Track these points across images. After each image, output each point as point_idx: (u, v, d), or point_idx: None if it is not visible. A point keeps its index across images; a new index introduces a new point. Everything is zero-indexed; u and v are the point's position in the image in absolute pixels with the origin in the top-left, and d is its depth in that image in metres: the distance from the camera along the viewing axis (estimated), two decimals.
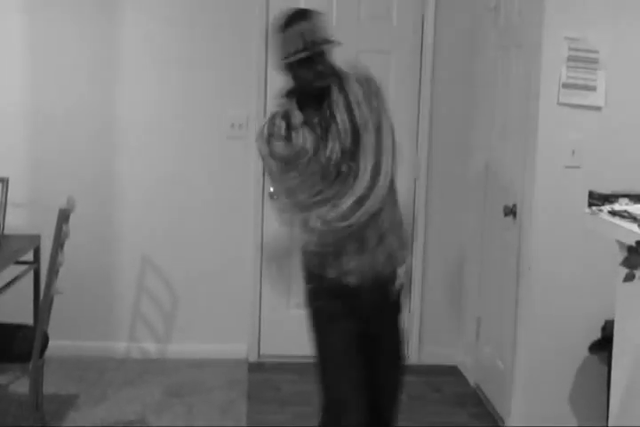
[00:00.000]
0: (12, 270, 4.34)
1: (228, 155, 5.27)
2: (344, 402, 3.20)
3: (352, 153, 3.09)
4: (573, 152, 4.03)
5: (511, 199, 4.37)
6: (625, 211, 2.88)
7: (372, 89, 3.12)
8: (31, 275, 4.57)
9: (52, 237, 3.81)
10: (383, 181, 3.07)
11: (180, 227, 5.34)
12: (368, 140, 3.07)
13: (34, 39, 5.15)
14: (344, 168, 3.09)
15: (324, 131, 3.11)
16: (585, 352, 4.10)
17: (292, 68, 3.06)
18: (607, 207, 3.00)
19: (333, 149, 3.09)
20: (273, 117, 3.21)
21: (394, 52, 5.21)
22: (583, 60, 3.96)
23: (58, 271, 3.91)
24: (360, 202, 3.05)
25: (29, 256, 4.58)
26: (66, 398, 4.67)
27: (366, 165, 3.05)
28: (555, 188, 4.07)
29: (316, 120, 3.13)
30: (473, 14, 5.12)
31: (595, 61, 3.96)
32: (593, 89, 3.98)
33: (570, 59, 3.96)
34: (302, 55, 2.98)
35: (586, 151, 4.03)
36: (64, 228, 3.83)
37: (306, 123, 3.14)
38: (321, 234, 3.13)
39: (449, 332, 5.42)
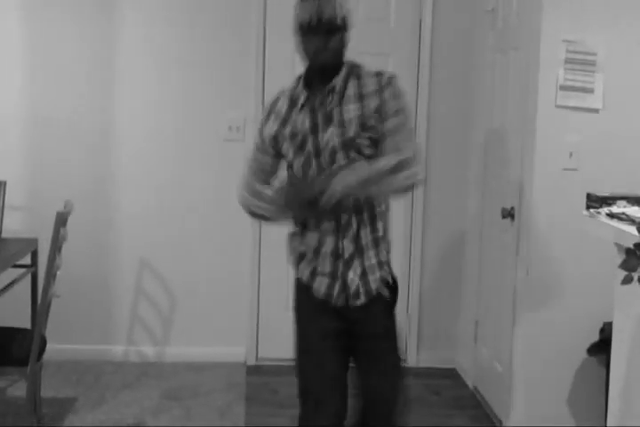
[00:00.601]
0: (10, 274, 4.33)
1: (225, 157, 5.26)
2: (313, 397, 3.18)
3: (356, 145, 3.01)
4: (571, 154, 4.03)
5: (509, 201, 4.37)
6: (623, 213, 2.88)
7: (391, 88, 3.04)
8: (29, 278, 4.57)
9: (49, 241, 3.80)
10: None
11: (178, 230, 5.34)
12: (390, 141, 3.01)
13: (32, 41, 5.14)
14: (341, 159, 3.01)
15: (325, 115, 3.03)
16: (583, 354, 4.10)
17: (300, 42, 3.07)
18: (605, 210, 3.00)
19: (331, 136, 3.00)
20: (278, 96, 3.18)
21: (392, 54, 5.21)
22: (581, 62, 3.97)
23: (55, 275, 3.90)
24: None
25: (27, 260, 4.57)
26: (64, 402, 4.66)
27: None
28: (553, 190, 4.07)
29: (317, 102, 3.04)
30: (471, 16, 5.13)
31: (592, 64, 3.97)
32: (590, 91, 3.99)
33: (567, 61, 3.97)
34: (305, 29, 3.01)
35: (584, 153, 4.03)
36: (62, 231, 3.83)
37: (307, 104, 3.06)
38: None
39: (447, 334, 5.42)
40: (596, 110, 4.02)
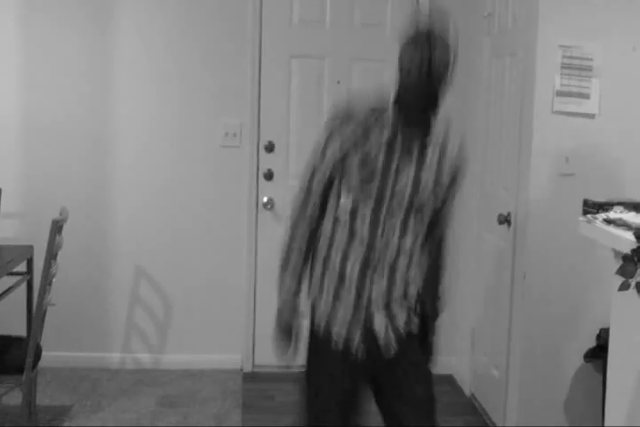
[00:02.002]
0: (5, 282, 4.31)
1: (221, 164, 5.25)
2: None
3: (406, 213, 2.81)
4: (567, 160, 4.03)
5: (505, 207, 4.36)
6: (620, 219, 2.87)
7: (461, 166, 2.93)
8: (24, 286, 4.55)
9: (45, 248, 3.80)
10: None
11: (174, 237, 5.33)
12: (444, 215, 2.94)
13: (27, 48, 5.13)
14: (386, 225, 2.81)
15: (401, 161, 2.80)
16: (580, 360, 4.10)
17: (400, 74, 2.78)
18: (602, 215, 2.99)
19: (402, 186, 2.78)
20: (341, 119, 2.87)
21: (387, 60, 5.19)
22: (577, 67, 3.96)
23: (51, 282, 3.89)
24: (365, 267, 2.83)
25: (22, 267, 4.56)
26: (60, 410, 4.64)
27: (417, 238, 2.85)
28: (549, 196, 4.06)
29: (397, 151, 2.80)
30: (467, 22, 5.12)
31: (589, 69, 3.97)
32: (587, 97, 3.98)
33: (564, 66, 3.97)
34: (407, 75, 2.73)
35: (580, 159, 4.03)
36: (57, 239, 3.82)
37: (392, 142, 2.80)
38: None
39: (444, 341, 5.37)
40: (593, 116, 4.02)
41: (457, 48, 2.79)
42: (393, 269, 2.83)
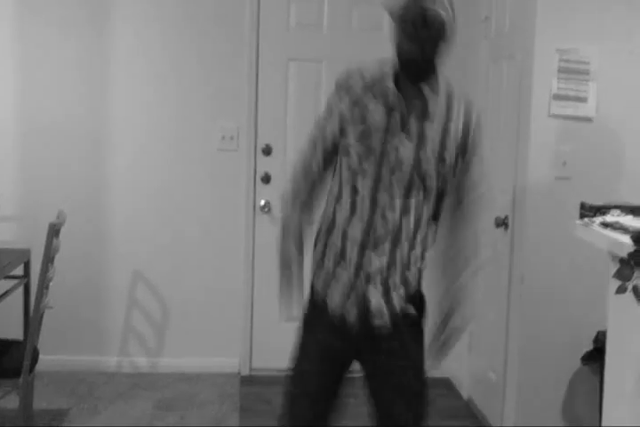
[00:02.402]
0: (2, 285, 4.31)
1: (218, 167, 5.25)
2: (289, 408, 3.08)
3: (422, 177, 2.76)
4: (564, 163, 4.03)
5: (503, 210, 4.36)
6: (616, 222, 2.87)
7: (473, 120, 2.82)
8: (21, 289, 4.54)
9: (42, 252, 3.79)
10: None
11: (171, 240, 5.32)
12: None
13: (24, 50, 5.13)
14: (386, 202, 2.77)
15: (400, 132, 2.75)
16: (577, 363, 4.09)
17: (394, 28, 2.74)
18: (599, 219, 3.00)
19: (401, 158, 2.74)
20: (350, 75, 2.86)
21: None
22: (574, 71, 3.97)
23: (48, 286, 3.89)
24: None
25: (19, 271, 4.55)
26: (57, 413, 4.64)
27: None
28: (546, 199, 4.06)
29: (399, 108, 2.75)
30: (464, 25, 5.10)
31: (585, 73, 3.97)
32: (584, 100, 3.99)
33: (561, 70, 3.97)
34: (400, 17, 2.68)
35: (577, 162, 4.03)
36: (54, 242, 3.81)
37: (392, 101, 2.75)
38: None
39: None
40: (590, 119, 4.02)
41: (454, 9, 2.77)
42: (393, 248, 2.80)
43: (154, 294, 5.35)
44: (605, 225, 2.89)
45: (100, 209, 5.27)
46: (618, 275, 2.64)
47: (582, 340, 4.02)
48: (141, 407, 4.78)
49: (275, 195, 5.24)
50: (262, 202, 5.27)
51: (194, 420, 4.64)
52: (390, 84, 2.75)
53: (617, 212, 3.09)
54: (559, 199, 4.01)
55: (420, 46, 2.67)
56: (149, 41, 5.20)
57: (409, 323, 2.93)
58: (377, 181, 2.76)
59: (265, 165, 5.26)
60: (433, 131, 2.75)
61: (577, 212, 3.29)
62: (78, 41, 5.18)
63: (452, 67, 5.19)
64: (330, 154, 2.89)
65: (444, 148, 2.76)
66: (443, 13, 2.66)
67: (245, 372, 5.40)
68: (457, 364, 5.22)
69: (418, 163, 2.74)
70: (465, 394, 5.08)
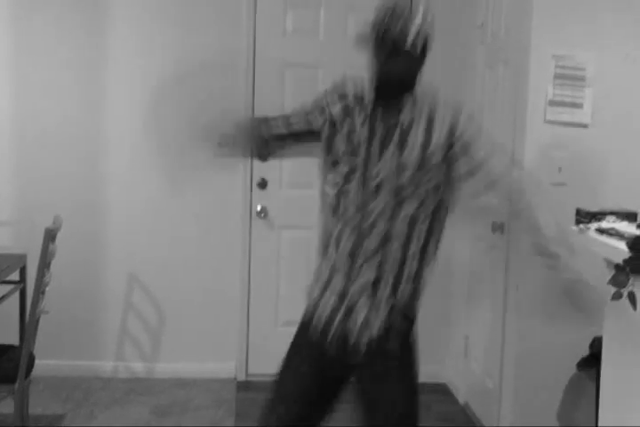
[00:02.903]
0: None
1: (214, 172, 5.24)
2: (266, 412, 3.02)
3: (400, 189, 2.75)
4: (560, 169, 4.03)
5: (499, 216, 4.36)
6: (612, 228, 2.88)
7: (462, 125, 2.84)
8: (17, 295, 4.54)
9: (38, 257, 3.79)
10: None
11: (168, 245, 5.32)
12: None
13: (19, 53, 5.13)
14: (373, 211, 2.76)
15: (383, 142, 2.77)
16: (573, 369, 4.09)
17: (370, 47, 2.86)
18: (594, 225, 3.00)
19: (383, 167, 2.75)
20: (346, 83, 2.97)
21: None
22: (570, 77, 3.97)
23: (44, 291, 3.88)
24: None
25: (15, 276, 4.55)
26: (52, 419, 4.63)
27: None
28: (541, 205, 4.06)
29: (380, 126, 2.79)
30: (460, 32, 5.13)
31: (581, 79, 3.98)
32: (579, 106, 3.99)
33: (556, 76, 3.98)
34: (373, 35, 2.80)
35: (573, 168, 4.03)
36: (50, 247, 3.81)
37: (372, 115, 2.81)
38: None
39: (437, 349, 5.40)
40: (585, 125, 4.02)
41: (430, 21, 2.77)
42: (383, 260, 2.78)
43: (150, 299, 5.34)
44: (601, 231, 2.90)
45: (97, 214, 5.26)
46: (613, 281, 2.64)
47: (578, 346, 4.02)
48: (137, 413, 4.77)
49: (271, 200, 5.25)
50: (259, 207, 5.27)
51: (190, 425, 4.63)
52: (371, 98, 2.82)
53: (612, 218, 3.09)
54: (554, 205, 4.00)
55: (396, 65, 2.76)
56: (146, 48, 5.19)
57: (397, 346, 3.02)
58: (365, 193, 2.77)
59: (261, 170, 5.25)
60: (416, 141, 2.75)
61: (573, 218, 3.29)
62: (75, 43, 5.17)
63: (448, 72, 5.28)
64: (301, 131, 3.06)
65: (428, 157, 2.76)
66: (416, 31, 2.70)
67: (242, 377, 5.40)
68: (453, 369, 5.22)
69: (401, 174, 2.74)
70: (461, 399, 5.08)
